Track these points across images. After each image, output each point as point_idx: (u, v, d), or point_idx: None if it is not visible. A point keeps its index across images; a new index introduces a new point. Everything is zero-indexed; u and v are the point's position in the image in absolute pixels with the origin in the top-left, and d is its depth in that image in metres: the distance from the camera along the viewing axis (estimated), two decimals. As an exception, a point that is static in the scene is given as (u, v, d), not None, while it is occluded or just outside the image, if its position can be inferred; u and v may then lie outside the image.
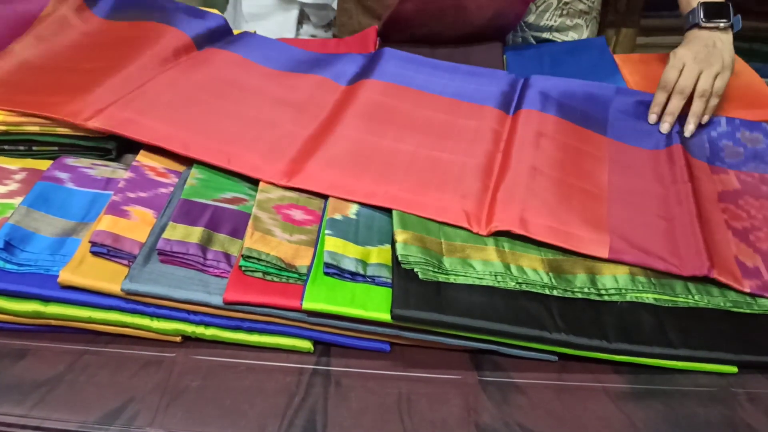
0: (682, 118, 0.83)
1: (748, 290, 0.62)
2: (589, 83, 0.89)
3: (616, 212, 0.68)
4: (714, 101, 0.82)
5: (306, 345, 0.57)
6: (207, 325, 0.57)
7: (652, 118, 0.84)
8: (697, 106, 0.81)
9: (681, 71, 0.81)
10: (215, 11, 1.01)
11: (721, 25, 0.84)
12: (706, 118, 0.82)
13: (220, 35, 0.96)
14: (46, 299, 0.56)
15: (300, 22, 1.28)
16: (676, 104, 0.82)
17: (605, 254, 0.63)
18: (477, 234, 0.64)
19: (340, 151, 0.72)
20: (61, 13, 0.90)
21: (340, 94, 0.84)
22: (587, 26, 1.15)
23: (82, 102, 0.71)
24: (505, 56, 1.02)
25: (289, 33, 1.26)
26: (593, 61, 1.00)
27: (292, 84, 0.85)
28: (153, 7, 0.95)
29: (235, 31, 1.02)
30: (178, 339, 0.57)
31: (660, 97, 0.83)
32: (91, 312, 0.56)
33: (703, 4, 0.84)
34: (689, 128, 0.81)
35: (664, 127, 0.82)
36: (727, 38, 0.84)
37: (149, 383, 0.53)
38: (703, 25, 0.84)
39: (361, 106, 0.80)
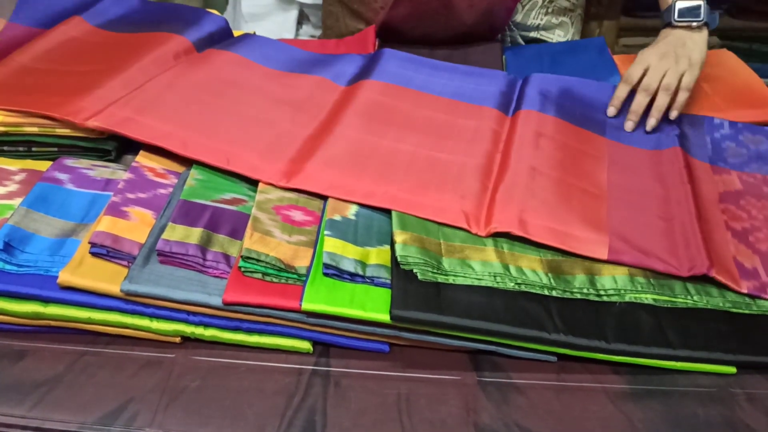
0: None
1: (745, 291, 0.62)
2: (587, 82, 0.89)
3: (615, 212, 0.68)
4: (683, 96, 0.82)
5: (305, 346, 0.57)
6: (206, 325, 0.57)
7: (611, 111, 0.84)
8: (660, 99, 0.81)
9: (646, 70, 0.82)
10: (215, 12, 1.01)
11: (694, 24, 0.84)
12: (675, 114, 0.82)
13: (221, 37, 0.96)
14: (45, 300, 0.56)
15: (299, 22, 1.28)
16: (640, 101, 0.82)
17: (604, 255, 0.63)
18: (476, 235, 0.64)
19: (339, 152, 0.72)
20: (61, 29, 0.90)
21: (340, 95, 0.84)
22: (572, 23, 1.15)
23: (81, 102, 0.71)
24: (504, 56, 1.02)
25: (289, 33, 1.26)
26: (592, 62, 1.00)
27: (291, 84, 0.86)
28: (153, 19, 0.95)
29: (235, 33, 1.02)
30: (178, 340, 0.57)
31: (621, 91, 0.83)
32: (90, 313, 0.56)
33: (678, 2, 0.84)
34: (650, 122, 0.82)
35: (628, 125, 0.83)
36: (700, 37, 0.84)
37: (149, 384, 0.53)
38: (675, 23, 0.84)
39: (360, 106, 0.80)
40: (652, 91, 0.81)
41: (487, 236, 0.64)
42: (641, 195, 0.72)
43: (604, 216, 0.67)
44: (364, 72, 0.88)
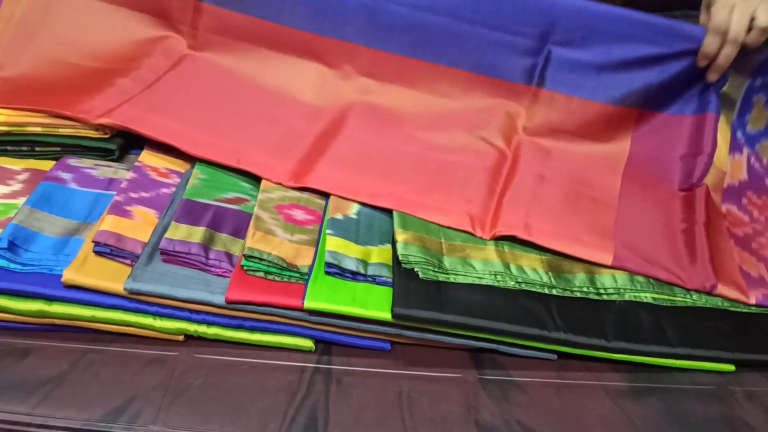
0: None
1: (753, 302, 0.62)
2: (640, 41, 0.72)
3: (623, 219, 0.68)
4: None
5: (307, 344, 0.58)
6: (209, 324, 0.57)
7: (702, 64, 0.71)
8: (753, 38, 0.69)
9: (731, 11, 0.68)
10: None
11: None
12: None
13: None
14: (49, 298, 0.56)
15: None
16: (729, 54, 0.69)
17: (608, 261, 0.63)
18: (480, 238, 0.65)
19: (347, 152, 0.72)
20: None
21: (352, 84, 0.79)
22: None
23: (92, 100, 0.72)
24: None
25: None
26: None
27: (298, 70, 0.80)
28: None
29: None
30: (181, 338, 0.58)
31: (712, 45, 0.70)
32: (94, 311, 0.56)
33: None
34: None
35: (712, 77, 0.72)
36: None
37: (152, 381, 0.53)
38: None
39: (370, 105, 0.78)
40: (741, 41, 0.69)
41: (491, 239, 0.64)
42: (653, 200, 0.71)
43: (610, 223, 0.67)
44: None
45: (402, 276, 0.58)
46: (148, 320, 0.57)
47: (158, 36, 0.84)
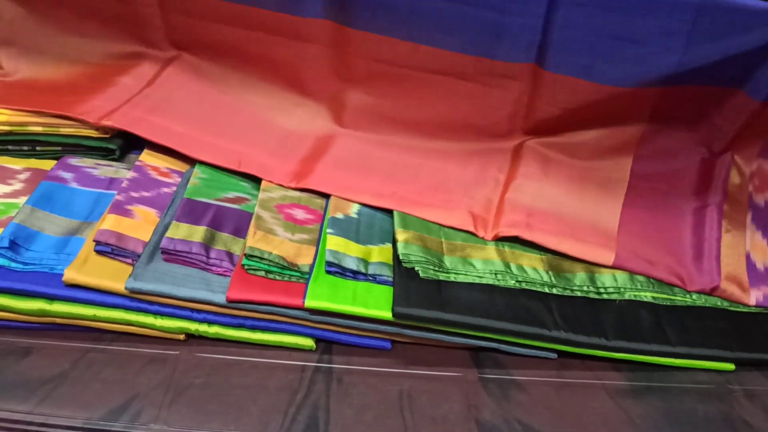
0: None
1: (753, 303, 0.62)
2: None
3: (629, 212, 0.67)
4: None
5: (308, 343, 0.58)
6: (210, 323, 0.57)
7: None
8: None
9: None
10: None
11: None
12: None
13: None
14: (51, 297, 0.56)
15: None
16: None
17: (610, 262, 0.63)
18: (482, 238, 0.65)
19: (349, 153, 0.72)
20: None
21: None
22: None
23: (94, 101, 0.72)
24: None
25: None
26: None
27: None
28: None
29: None
30: (182, 337, 0.58)
31: None
32: (95, 310, 0.57)
33: None
34: None
35: None
36: None
37: (153, 380, 0.53)
38: None
39: (368, 107, 0.76)
40: None
41: (493, 240, 0.64)
42: (666, 174, 0.68)
43: (615, 219, 0.67)
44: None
45: (402, 275, 0.58)
46: (149, 319, 0.57)
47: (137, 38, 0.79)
